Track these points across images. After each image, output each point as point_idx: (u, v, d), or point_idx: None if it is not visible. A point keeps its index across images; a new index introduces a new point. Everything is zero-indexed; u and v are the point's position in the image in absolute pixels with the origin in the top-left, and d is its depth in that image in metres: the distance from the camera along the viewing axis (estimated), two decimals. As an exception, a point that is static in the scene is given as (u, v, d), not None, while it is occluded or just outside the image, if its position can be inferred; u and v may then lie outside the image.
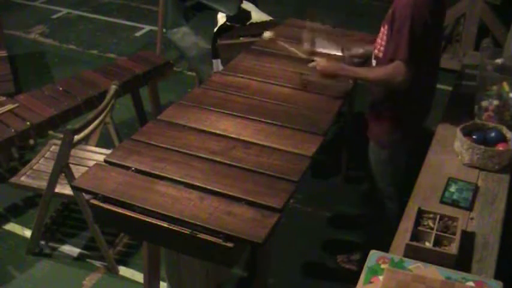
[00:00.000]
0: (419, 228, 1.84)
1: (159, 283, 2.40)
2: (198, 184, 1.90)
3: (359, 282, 1.68)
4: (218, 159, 2.04)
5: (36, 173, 2.81)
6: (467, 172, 2.21)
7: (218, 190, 1.88)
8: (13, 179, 2.76)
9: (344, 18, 5.21)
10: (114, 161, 2.02)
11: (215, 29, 3.50)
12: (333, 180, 3.49)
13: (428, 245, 1.78)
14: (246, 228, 1.71)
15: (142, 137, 2.16)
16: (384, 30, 2.32)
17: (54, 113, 2.92)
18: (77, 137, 2.53)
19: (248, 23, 3.54)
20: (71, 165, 2.60)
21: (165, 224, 1.76)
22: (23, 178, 2.77)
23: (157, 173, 1.96)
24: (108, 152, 2.26)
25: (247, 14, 3.58)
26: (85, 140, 2.89)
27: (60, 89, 3.17)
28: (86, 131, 2.61)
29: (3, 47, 4.08)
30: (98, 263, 2.82)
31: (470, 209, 2.01)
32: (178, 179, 1.93)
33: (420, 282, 1.61)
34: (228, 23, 3.52)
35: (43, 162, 2.89)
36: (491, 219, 1.96)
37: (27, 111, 2.92)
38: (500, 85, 2.46)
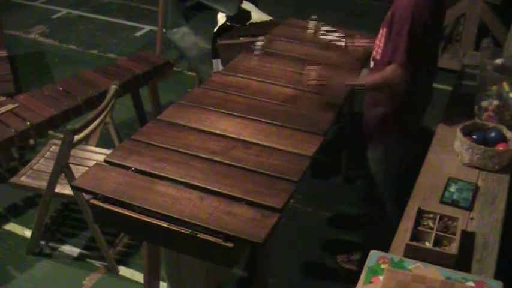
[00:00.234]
0: (419, 228, 1.84)
1: (159, 283, 2.40)
2: (198, 184, 1.90)
3: (359, 282, 1.68)
4: (218, 159, 2.04)
5: (36, 173, 2.81)
6: (467, 172, 2.21)
7: (218, 190, 1.88)
8: (13, 179, 2.76)
9: (344, 18, 5.21)
10: (114, 161, 2.02)
11: (215, 29, 3.50)
12: (333, 180, 3.49)
13: (428, 245, 1.78)
14: (246, 228, 1.71)
15: (142, 137, 2.16)
16: (382, 32, 2.32)
17: (54, 113, 2.92)
18: (77, 137, 2.53)
19: (248, 23, 3.54)
20: (71, 165, 2.60)
21: (165, 224, 1.76)
22: (23, 178, 2.77)
23: (157, 173, 1.96)
24: (108, 152, 2.26)
25: (247, 14, 3.58)
26: (85, 140, 2.89)
27: (60, 89, 3.17)
28: (86, 131, 2.61)
29: (3, 47, 4.08)
30: (98, 263, 2.82)
31: (470, 209, 2.01)
32: (178, 179, 1.93)
33: (420, 282, 1.61)
34: (228, 23, 3.52)
35: (43, 162, 2.89)
36: (491, 219, 1.96)
37: (27, 111, 2.92)
38: (500, 85, 2.46)
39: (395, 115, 2.37)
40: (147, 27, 5.68)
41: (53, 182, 2.61)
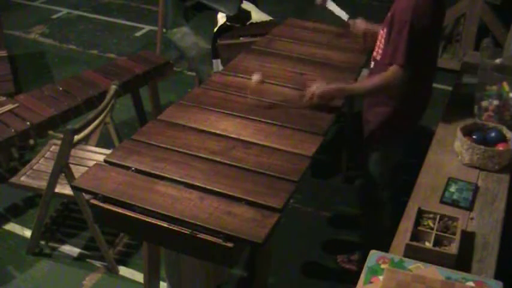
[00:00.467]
0: (419, 228, 1.84)
1: (159, 283, 2.40)
2: (198, 184, 1.90)
3: (359, 282, 1.68)
4: (218, 159, 2.04)
5: (36, 173, 2.81)
6: (467, 172, 2.21)
7: (218, 190, 1.88)
8: (13, 179, 2.76)
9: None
10: (114, 161, 2.02)
11: (215, 29, 3.50)
12: (333, 180, 3.49)
13: (428, 245, 1.78)
14: (246, 228, 1.71)
15: (142, 137, 2.16)
16: (382, 33, 2.32)
17: (54, 113, 2.92)
18: (77, 137, 2.53)
19: (248, 23, 3.55)
20: (71, 165, 2.60)
21: (165, 224, 1.76)
22: (23, 178, 2.77)
23: (157, 173, 1.96)
24: (108, 152, 2.26)
25: (247, 14, 3.59)
26: (85, 140, 2.89)
27: (60, 89, 3.17)
28: (86, 131, 2.61)
29: (3, 47, 4.09)
30: (98, 263, 2.82)
31: (470, 209, 2.01)
32: (178, 179, 1.93)
33: (420, 282, 1.61)
34: (228, 23, 3.52)
35: (43, 162, 2.89)
36: (491, 219, 1.96)
37: (27, 111, 2.92)
38: (500, 85, 2.46)
39: (395, 115, 2.38)
40: (147, 27, 5.69)
41: (53, 182, 2.61)
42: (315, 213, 3.22)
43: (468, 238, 1.86)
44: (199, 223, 1.73)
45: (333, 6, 2.73)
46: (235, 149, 2.10)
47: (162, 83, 4.00)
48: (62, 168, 2.56)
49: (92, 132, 2.70)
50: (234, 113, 2.34)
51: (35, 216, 2.78)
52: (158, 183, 1.91)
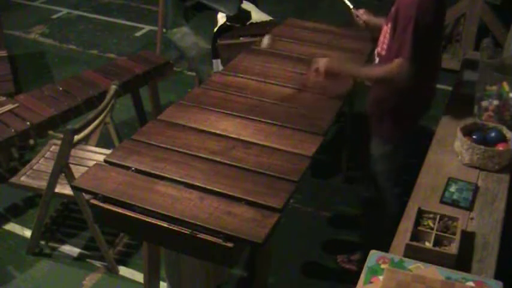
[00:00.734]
0: (419, 228, 1.84)
1: (159, 283, 2.40)
2: (198, 184, 1.90)
3: (359, 282, 1.68)
4: (218, 159, 2.04)
5: (36, 173, 2.81)
6: (467, 172, 2.21)
7: (218, 190, 1.88)
8: (13, 179, 2.76)
9: (344, 18, 5.20)
10: (114, 161, 2.02)
11: (215, 29, 3.50)
12: (333, 180, 3.49)
13: (428, 245, 1.78)
14: (246, 228, 1.71)
15: (142, 137, 2.16)
16: (387, 28, 2.32)
17: (54, 113, 2.92)
18: (77, 137, 2.53)
19: (248, 23, 3.55)
20: (71, 165, 2.60)
21: (165, 224, 1.77)
22: (23, 178, 2.77)
23: (157, 173, 1.96)
24: (108, 152, 2.26)
25: (247, 14, 3.58)
26: (85, 140, 2.89)
27: (60, 89, 3.17)
28: (86, 131, 2.61)
29: (3, 47, 4.09)
30: (98, 263, 2.82)
31: (470, 209, 2.01)
32: (178, 179, 1.93)
33: (420, 282, 1.61)
34: (228, 23, 3.52)
35: (43, 162, 2.89)
36: (491, 219, 1.96)
37: (27, 111, 2.92)
38: (500, 85, 2.46)
39: (402, 112, 2.38)
40: (147, 27, 5.69)
41: (53, 182, 2.61)
42: (315, 213, 3.22)
43: (468, 238, 1.86)
44: (199, 223, 1.73)
45: None
46: (235, 149, 2.10)
47: (162, 83, 4.00)
48: (62, 168, 2.56)
49: (92, 132, 2.70)
50: (234, 113, 2.34)
51: (35, 216, 2.78)
52: (158, 183, 1.91)
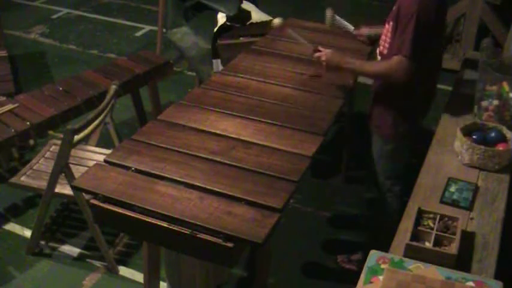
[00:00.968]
0: (419, 228, 1.84)
1: (159, 283, 2.40)
2: (198, 184, 1.90)
3: (359, 282, 1.68)
4: (218, 159, 2.04)
5: (36, 173, 2.81)
6: (467, 172, 2.21)
7: (218, 190, 1.88)
8: (13, 179, 2.76)
9: (344, 18, 5.20)
10: (114, 161, 2.02)
11: (215, 29, 3.50)
12: (333, 180, 3.49)
13: (428, 245, 1.78)
14: (246, 228, 1.71)
15: (142, 137, 2.16)
16: (388, 27, 2.33)
17: (54, 113, 2.92)
18: (77, 137, 2.53)
19: (248, 23, 3.54)
20: (71, 165, 2.60)
21: (165, 224, 1.76)
22: (23, 178, 2.77)
23: (157, 173, 1.96)
24: (108, 152, 2.26)
25: (247, 14, 3.58)
26: (85, 140, 2.89)
27: (60, 89, 3.17)
28: (86, 131, 2.61)
29: (3, 47, 4.09)
30: (98, 263, 2.82)
31: (470, 209, 2.01)
32: (178, 179, 1.93)
33: (420, 282, 1.61)
34: (228, 23, 3.52)
35: (43, 162, 2.89)
36: (491, 219, 1.96)
37: (27, 111, 2.92)
38: (500, 85, 2.46)
39: (404, 110, 2.38)
40: (147, 27, 5.69)
41: (53, 182, 2.61)
42: (315, 213, 3.22)
43: (468, 238, 1.86)
44: (199, 223, 1.73)
45: (340, 22, 2.89)
46: (235, 149, 2.10)
47: (162, 83, 4.00)
48: (62, 168, 2.56)
49: (92, 132, 2.70)
50: (234, 113, 2.34)
51: (35, 216, 2.78)
52: (158, 183, 1.91)
